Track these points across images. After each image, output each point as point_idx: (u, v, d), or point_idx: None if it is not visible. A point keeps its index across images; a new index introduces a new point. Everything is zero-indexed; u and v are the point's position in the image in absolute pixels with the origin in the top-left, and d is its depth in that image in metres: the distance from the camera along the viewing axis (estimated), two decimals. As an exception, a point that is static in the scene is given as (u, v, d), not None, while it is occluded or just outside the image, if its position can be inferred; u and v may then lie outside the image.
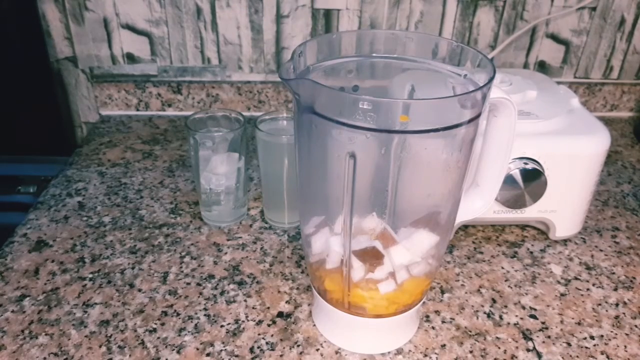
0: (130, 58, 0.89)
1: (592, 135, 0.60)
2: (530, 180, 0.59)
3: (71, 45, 0.87)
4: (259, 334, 0.52)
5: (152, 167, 0.78)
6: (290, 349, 0.50)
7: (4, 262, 0.60)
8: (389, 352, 0.50)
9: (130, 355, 0.49)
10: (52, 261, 0.60)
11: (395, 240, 0.45)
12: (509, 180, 0.59)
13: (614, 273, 0.61)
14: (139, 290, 0.56)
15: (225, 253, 0.62)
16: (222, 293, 0.56)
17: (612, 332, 0.53)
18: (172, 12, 0.85)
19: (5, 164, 0.88)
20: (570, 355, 0.51)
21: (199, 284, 0.57)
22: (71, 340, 0.50)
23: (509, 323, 0.54)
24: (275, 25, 0.87)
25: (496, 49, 0.90)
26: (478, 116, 0.40)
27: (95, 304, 0.55)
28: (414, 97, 0.50)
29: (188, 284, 0.57)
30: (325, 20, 0.87)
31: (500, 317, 0.55)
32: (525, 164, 0.59)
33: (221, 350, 0.50)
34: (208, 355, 0.49)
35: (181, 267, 0.60)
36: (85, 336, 0.51)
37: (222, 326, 0.52)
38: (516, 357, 0.50)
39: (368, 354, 0.50)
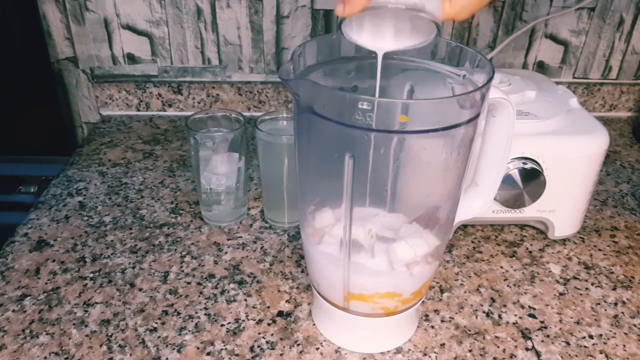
0: (131, 58, 0.89)
1: (590, 135, 0.61)
2: (529, 180, 0.60)
3: (72, 45, 0.87)
4: (259, 333, 0.52)
5: (152, 167, 0.79)
6: (290, 348, 0.50)
7: (5, 261, 0.60)
8: (388, 351, 0.50)
9: (130, 355, 0.49)
10: (53, 261, 0.60)
11: (395, 240, 0.45)
12: (507, 180, 0.59)
13: (612, 272, 0.61)
14: (140, 289, 0.57)
15: (226, 252, 0.62)
16: (222, 292, 0.57)
17: (610, 331, 0.54)
18: (173, 13, 0.85)
19: (6, 163, 0.88)
20: (569, 355, 0.51)
21: (199, 284, 0.58)
22: (72, 339, 0.51)
23: (508, 322, 0.54)
24: (275, 26, 0.87)
25: (495, 49, 0.90)
26: (477, 116, 0.40)
27: (96, 303, 0.55)
28: (413, 97, 0.51)
29: (188, 283, 0.58)
30: (325, 20, 0.87)
31: (499, 316, 0.55)
32: (524, 163, 0.59)
33: (221, 350, 0.50)
34: (208, 354, 0.50)
35: (182, 267, 0.60)
36: (86, 335, 0.51)
37: (222, 325, 0.53)
38: (515, 356, 0.50)
39: (368, 353, 0.50)
